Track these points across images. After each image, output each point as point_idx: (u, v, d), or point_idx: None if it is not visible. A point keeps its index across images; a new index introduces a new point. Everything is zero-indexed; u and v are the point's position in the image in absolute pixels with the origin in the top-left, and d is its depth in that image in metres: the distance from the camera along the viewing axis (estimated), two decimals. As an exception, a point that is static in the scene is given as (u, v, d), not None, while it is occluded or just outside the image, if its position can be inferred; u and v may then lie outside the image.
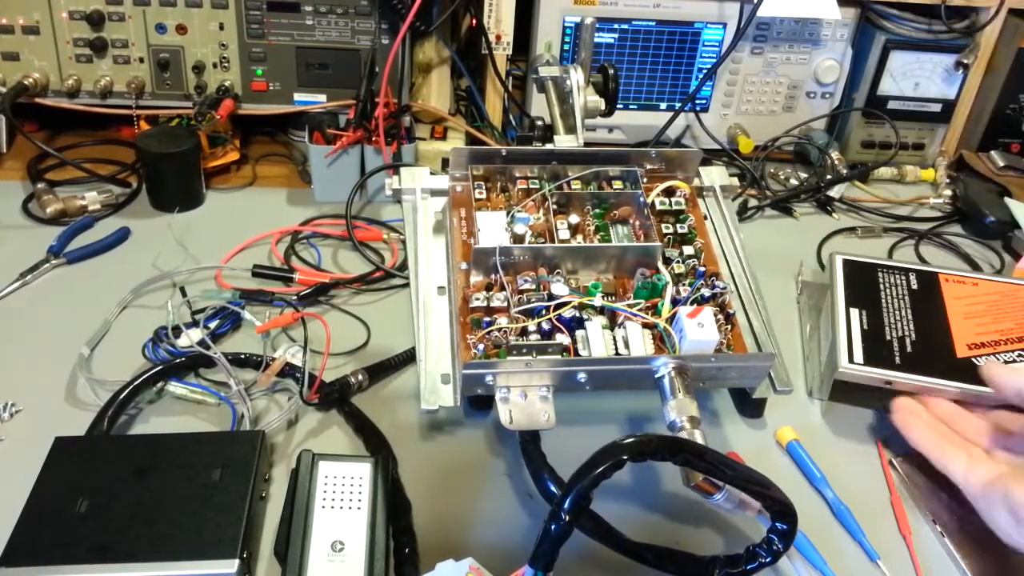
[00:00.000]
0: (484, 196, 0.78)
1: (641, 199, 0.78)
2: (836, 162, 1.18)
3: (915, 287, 0.87)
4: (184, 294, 0.86)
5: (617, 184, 0.80)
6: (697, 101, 1.21)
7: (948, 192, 1.18)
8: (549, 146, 0.83)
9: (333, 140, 1.03)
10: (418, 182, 0.83)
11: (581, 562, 0.63)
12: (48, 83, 1.05)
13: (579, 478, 0.51)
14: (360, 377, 0.77)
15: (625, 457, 0.51)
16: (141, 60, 1.06)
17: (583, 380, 0.66)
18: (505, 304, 0.70)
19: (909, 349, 0.79)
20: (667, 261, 0.75)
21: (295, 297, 0.87)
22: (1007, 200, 1.13)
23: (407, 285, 0.91)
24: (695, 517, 0.69)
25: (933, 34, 1.17)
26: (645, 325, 0.69)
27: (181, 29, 1.04)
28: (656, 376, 0.66)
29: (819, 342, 0.86)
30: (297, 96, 1.10)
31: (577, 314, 0.69)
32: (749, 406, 0.78)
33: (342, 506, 0.63)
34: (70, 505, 0.60)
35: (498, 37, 1.13)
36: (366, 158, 1.05)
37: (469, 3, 1.10)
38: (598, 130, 1.21)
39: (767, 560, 0.59)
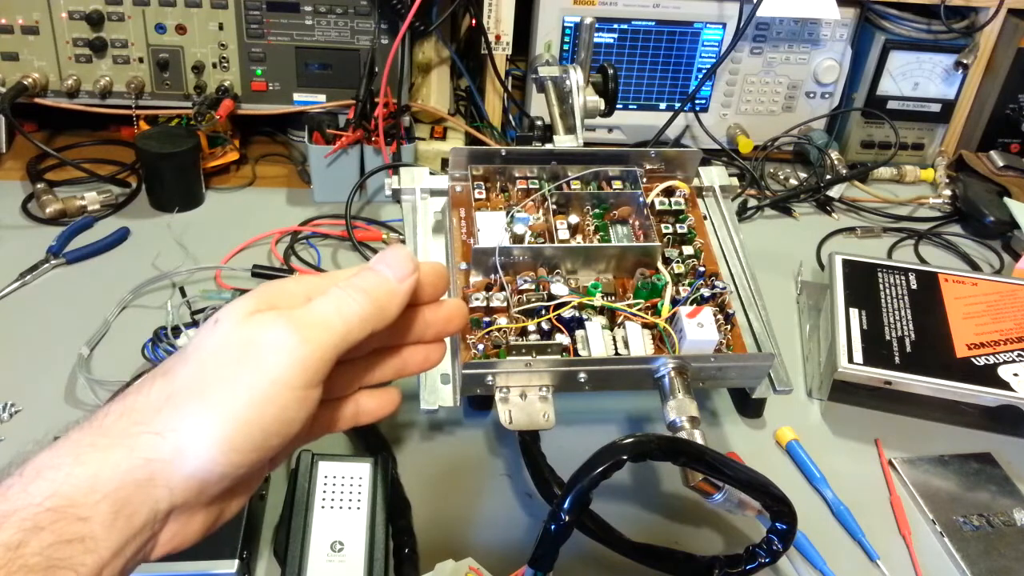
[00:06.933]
0: (484, 196, 0.78)
1: (641, 199, 0.77)
2: (835, 162, 1.18)
3: (915, 287, 0.87)
4: (184, 294, 0.86)
5: (617, 184, 0.80)
6: (697, 101, 1.21)
7: (947, 192, 1.18)
8: (549, 146, 0.82)
9: (333, 140, 1.03)
10: (417, 182, 0.83)
11: (581, 562, 0.63)
12: (48, 83, 1.05)
13: (579, 478, 0.51)
14: (360, 377, 0.77)
15: (625, 457, 0.51)
16: (141, 60, 1.05)
17: (583, 380, 0.66)
18: (505, 304, 0.70)
19: (908, 349, 0.79)
20: (667, 261, 0.74)
21: (295, 297, 0.87)
22: (1006, 200, 1.13)
23: (407, 285, 0.91)
24: (695, 517, 0.69)
25: (932, 34, 1.17)
26: (645, 325, 0.69)
27: (181, 29, 1.04)
28: (656, 376, 0.66)
29: (819, 342, 0.86)
30: (297, 96, 1.10)
31: (577, 314, 0.69)
32: (749, 406, 0.78)
33: (342, 506, 0.63)
34: (70, 505, 0.60)
35: (498, 37, 1.13)
36: (365, 158, 1.05)
37: (469, 3, 1.10)
38: (598, 130, 1.21)
39: (767, 560, 0.59)
